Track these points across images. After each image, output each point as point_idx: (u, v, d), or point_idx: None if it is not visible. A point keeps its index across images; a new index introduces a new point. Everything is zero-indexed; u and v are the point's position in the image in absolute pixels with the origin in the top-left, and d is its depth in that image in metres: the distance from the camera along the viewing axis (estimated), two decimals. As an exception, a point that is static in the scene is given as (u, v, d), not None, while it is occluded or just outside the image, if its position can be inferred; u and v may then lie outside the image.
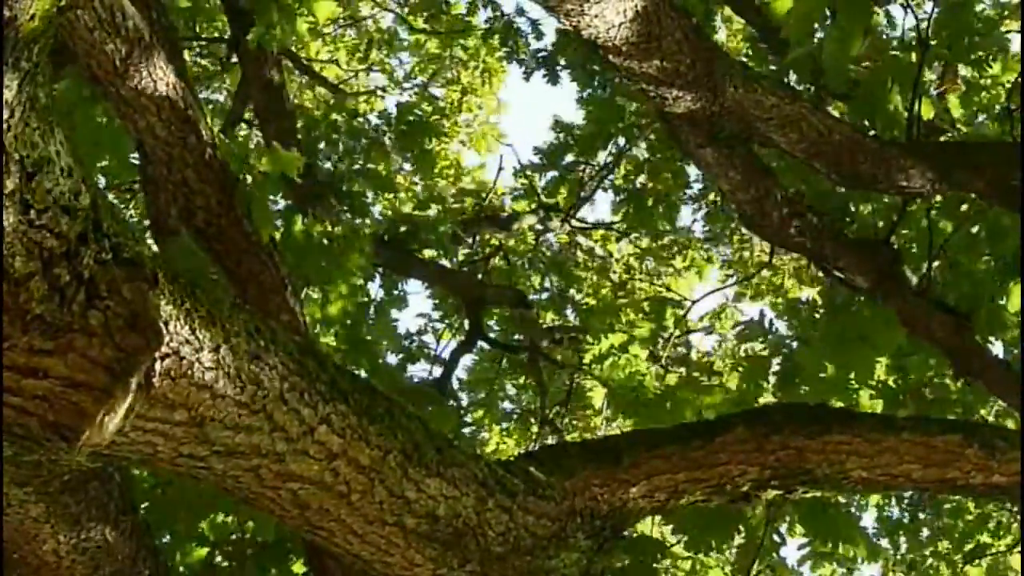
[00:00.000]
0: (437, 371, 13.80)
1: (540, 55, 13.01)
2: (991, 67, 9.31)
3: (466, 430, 13.48)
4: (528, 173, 14.35)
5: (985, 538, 11.23)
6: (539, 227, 15.00)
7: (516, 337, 14.15)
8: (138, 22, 6.40)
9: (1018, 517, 10.45)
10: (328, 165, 12.88)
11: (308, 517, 4.11)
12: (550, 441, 13.61)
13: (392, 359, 12.76)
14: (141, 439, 3.33)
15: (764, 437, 5.45)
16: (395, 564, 4.50)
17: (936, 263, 9.11)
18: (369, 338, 10.78)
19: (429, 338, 14.30)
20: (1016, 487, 5.71)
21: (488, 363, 14.31)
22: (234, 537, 7.28)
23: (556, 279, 15.04)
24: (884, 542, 11.17)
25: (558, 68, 12.74)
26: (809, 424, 5.53)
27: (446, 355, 14.02)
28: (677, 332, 13.05)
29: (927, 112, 9.04)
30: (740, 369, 9.95)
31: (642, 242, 15.87)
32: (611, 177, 14.02)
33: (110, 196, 11.27)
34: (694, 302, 12.72)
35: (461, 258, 14.60)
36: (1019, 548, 10.33)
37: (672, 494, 5.40)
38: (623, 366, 12.17)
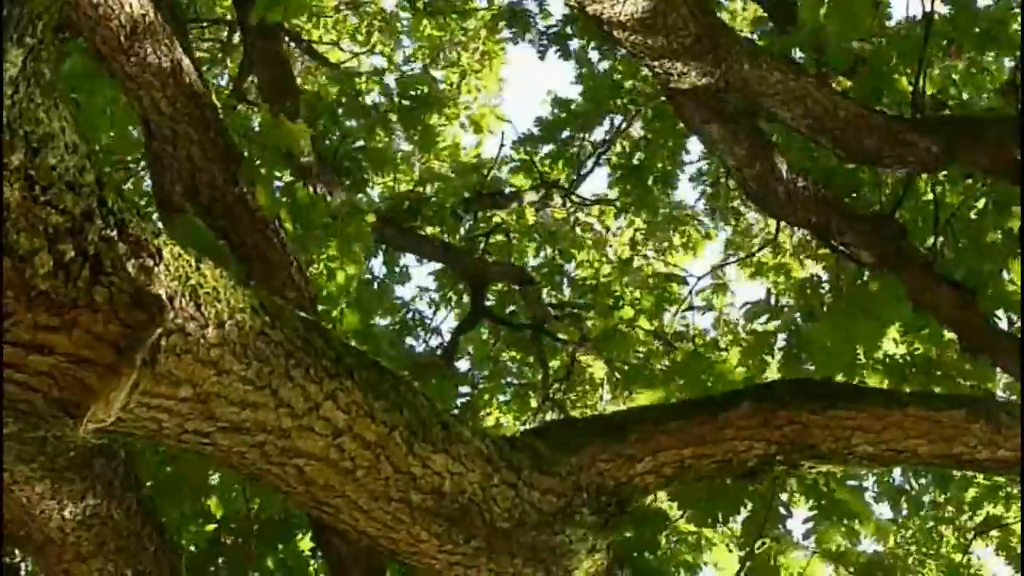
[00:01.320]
0: (434, 341, 13.84)
1: (552, 31, 12.99)
2: (994, 45, 9.31)
3: (461, 400, 13.49)
4: (527, 149, 14.33)
5: (996, 510, 11.23)
6: (539, 203, 15.00)
7: (511, 309, 14.16)
8: (143, -2, 6.40)
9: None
10: (330, 142, 12.87)
11: (314, 493, 4.11)
12: (551, 417, 13.64)
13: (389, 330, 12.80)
14: (146, 415, 3.33)
15: (770, 412, 5.45)
16: (401, 540, 4.50)
17: (942, 238, 9.10)
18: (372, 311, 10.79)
19: (425, 309, 14.33)
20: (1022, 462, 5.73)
21: (490, 338, 14.32)
22: (240, 514, 7.29)
23: (552, 252, 15.05)
24: (885, 508, 11.17)
25: (570, 43, 12.73)
26: (815, 399, 5.53)
27: (443, 327, 14.07)
28: (682, 307, 13.06)
29: (932, 87, 9.04)
30: (743, 345, 9.96)
31: (639, 219, 15.85)
32: (607, 154, 14.03)
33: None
34: (699, 278, 12.72)
35: (462, 234, 14.58)
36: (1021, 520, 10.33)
37: (678, 469, 5.40)
38: (627, 342, 12.20)
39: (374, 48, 16.53)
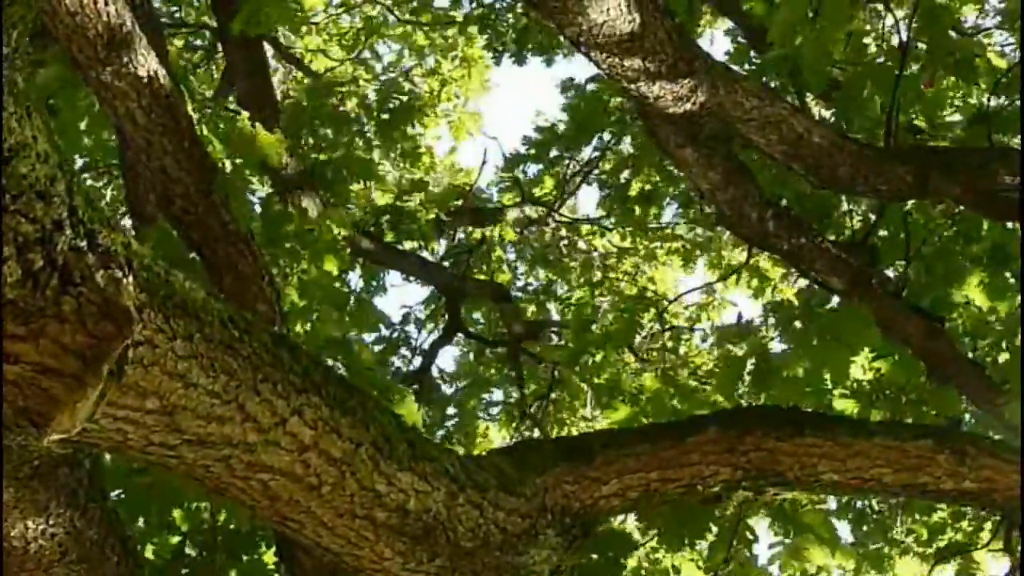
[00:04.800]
0: (418, 361, 13.84)
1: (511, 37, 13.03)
2: (971, 71, 9.34)
3: (450, 423, 13.50)
4: (514, 170, 14.36)
5: (958, 537, 11.25)
6: (523, 221, 15.02)
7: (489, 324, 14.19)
8: (120, 7, 6.38)
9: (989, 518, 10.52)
10: (308, 153, 12.85)
11: (278, 508, 4.10)
12: (530, 434, 13.65)
13: (375, 348, 12.82)
14: (112, 426, 3.33)
15: (737, 438, 5.48)
16: (364, 557, 4.50)
17: (911, 266, 9.13)
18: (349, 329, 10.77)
19: (411, 329, 14.33)
20: (986, 494, 5.76)
21: (471, 355, 14.35)
22: (205, 526, 7.26)
23: (542, 272, 15.08)
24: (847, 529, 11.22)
25: (526, 51, 12.73)
26: (782, 426, 5.55)
27: (427, 346, 14.08)
28: (657, 328, 13.06)
29: (906, 116, 9.09)
30: (716, 370, 9.97)
31: (625, 238, 15.89)
32: (595, 172, 14.07)
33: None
34: (671, 301, 12.71)
35: (443, 250, 14.61)
36: (993, 547, 10.36)
37: (644, 493, 5.42)
38: (602, 363, 12.19)
39: (360, 54, 16.51)
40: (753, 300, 13.87)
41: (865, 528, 10.75)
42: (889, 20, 9.24)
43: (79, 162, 10.98)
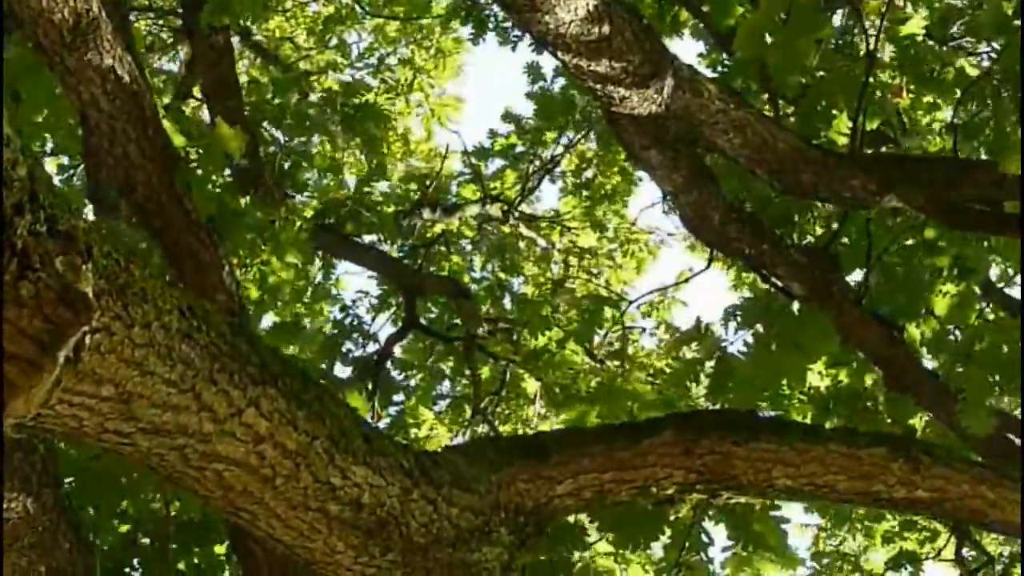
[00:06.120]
0: (371, 347, 13.79)
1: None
2: (938, 82, 9.39)
3: (393, 409, 13.46)
4: (474, 161, 14.35)
5: (909, 545, 11.33)
6: (483, 215, 15.00)
7: (454, 322, 14.14)
8: (87, -8, 6.36)
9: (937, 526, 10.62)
10: (272, 145, 12.83)
11: (232, 499, 4.10)
12: (481, 430, 13.65)
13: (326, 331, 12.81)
14: (67, 413, 3.32)
15: (692, 441, 5.49)
16: (317, 550, 4.50)
17: (872, 274, 9.15)
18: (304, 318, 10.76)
19: (363, 314, 14.28)
20: (938, 503, 5.79)
21: (426, 349, 14.31)
22: (157, 516, 7.25)
23: (497, 266, 15.05)
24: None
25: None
26: (738, 430, 5.57)
27: (380, 333, 14.03)
28: (615, 328, 13.05)
29: (872, 123, 9.11)
30: (670, 370, 9.97)
31: (584, 237, 15.89)
32: (559, 169, 14.10)
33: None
34: (630, 303, 12.70)
35: (402, 244, 14.55)
36: (942, 557, 10.43)
37: (598, 493, 5.43)
38: (558, 362, 12.20)
39: (328, 42, 16.41)
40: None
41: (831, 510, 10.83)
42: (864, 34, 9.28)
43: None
